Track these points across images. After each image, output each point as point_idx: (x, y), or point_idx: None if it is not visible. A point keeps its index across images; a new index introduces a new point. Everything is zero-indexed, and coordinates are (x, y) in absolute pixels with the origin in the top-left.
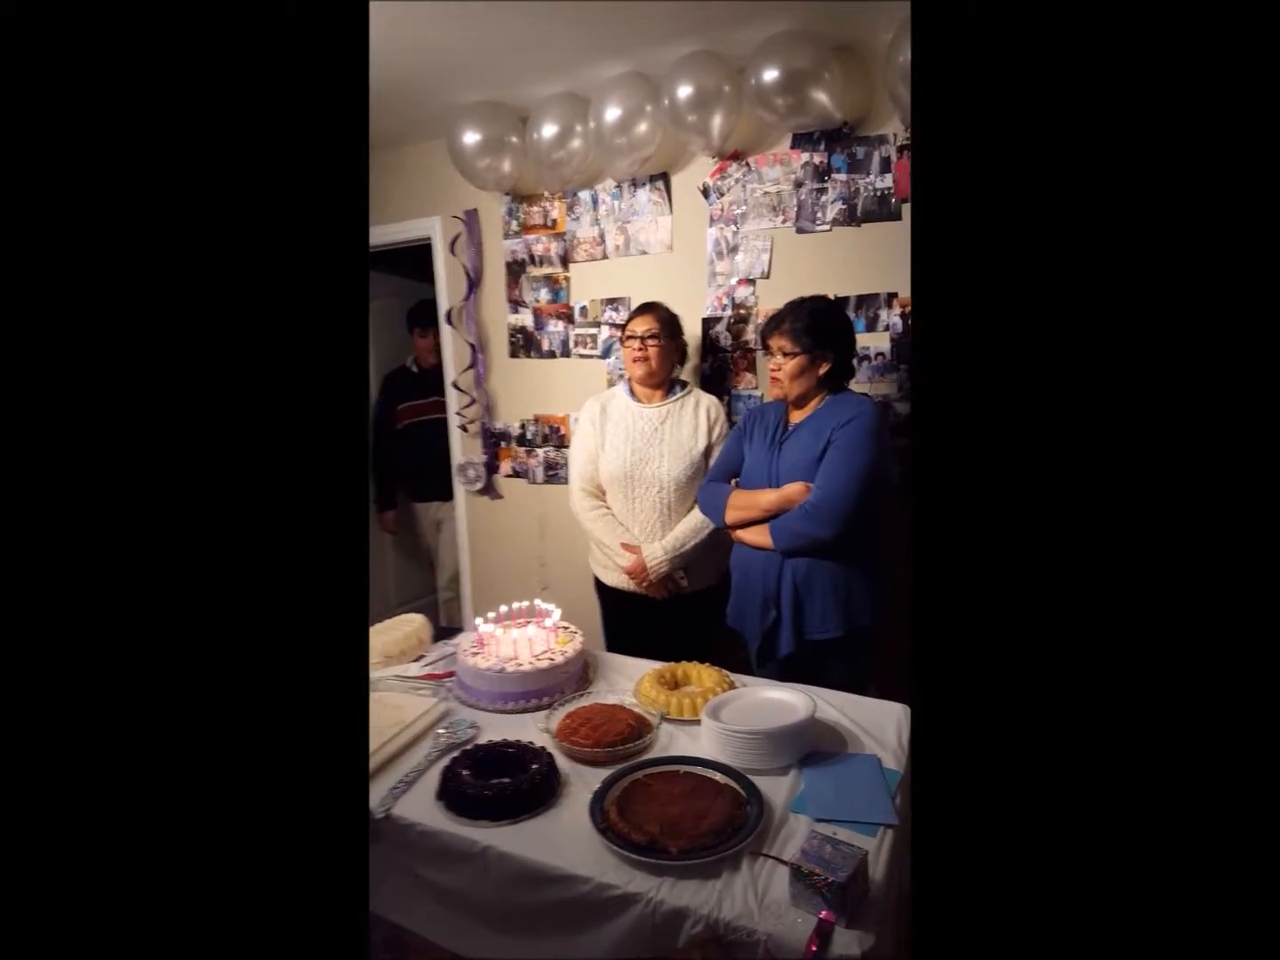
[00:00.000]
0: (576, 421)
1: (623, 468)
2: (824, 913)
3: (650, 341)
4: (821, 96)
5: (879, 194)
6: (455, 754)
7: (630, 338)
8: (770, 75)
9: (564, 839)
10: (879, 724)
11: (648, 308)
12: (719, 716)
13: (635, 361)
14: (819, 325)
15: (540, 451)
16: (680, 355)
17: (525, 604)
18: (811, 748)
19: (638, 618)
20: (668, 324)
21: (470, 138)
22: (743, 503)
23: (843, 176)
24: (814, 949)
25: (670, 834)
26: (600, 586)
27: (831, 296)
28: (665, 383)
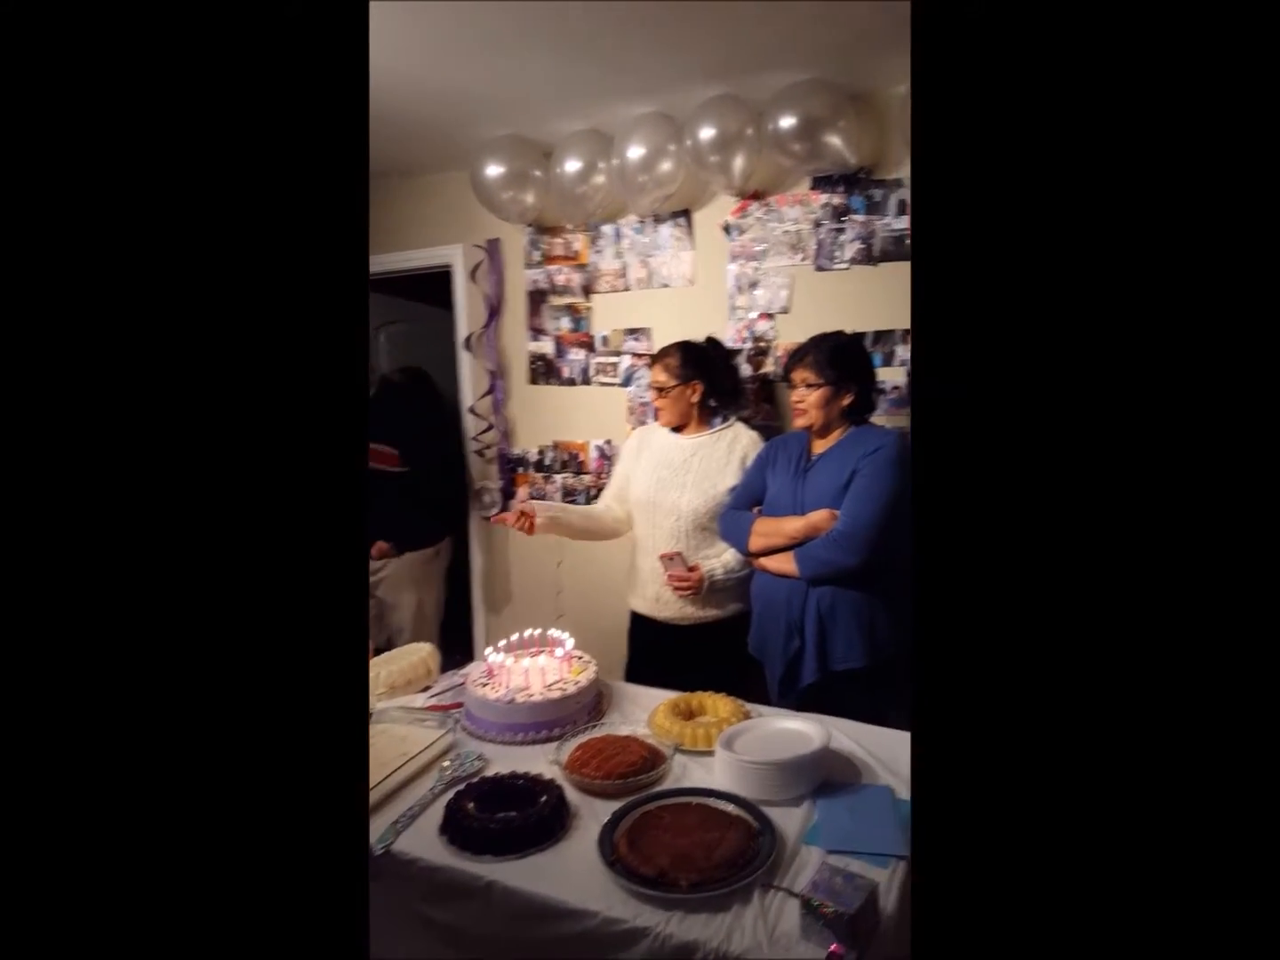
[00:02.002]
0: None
1: (647, 494)
2: (834, 945)
3: (660, 394)
4: (837, 142)
5: (895, 235)
6: (460, 787)
7: (651, 386)
8: (787, 121)
9: (572, 873)
10: (894, 754)
11: (661, 354)
12: (732, 747)
13: (657, 409)
14: (841, 358)
15: (558, 478)
16: (716, 388)
17: (537, 632)
18: (825, 778)
19: (664, 645)
20: (682, 370)
21: (494, 170)
22: (768, 529)
23: (860, 217)
24: None
25: (681, 867)
26: (632, 615)
27: (849, 332)
28: (693, 420)
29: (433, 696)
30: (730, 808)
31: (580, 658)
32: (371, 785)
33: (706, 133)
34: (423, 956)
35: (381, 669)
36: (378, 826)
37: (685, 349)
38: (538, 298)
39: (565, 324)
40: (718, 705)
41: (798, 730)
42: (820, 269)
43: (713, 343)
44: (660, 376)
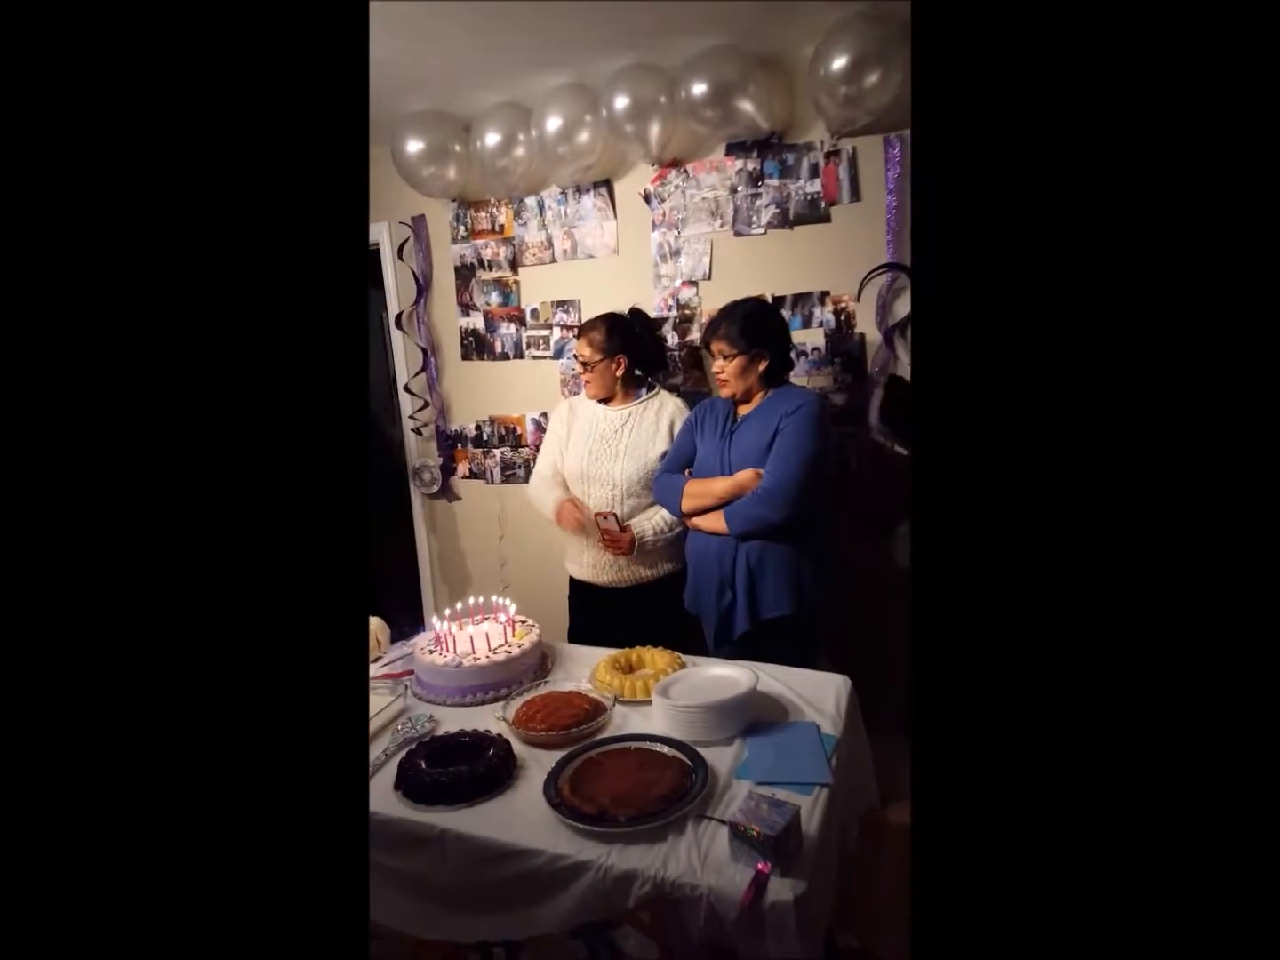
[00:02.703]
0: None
1: (580, 466)
2: (760, 865)
3: (586, 368)
4: (748, 107)
5: (809, 198)
6: (412, 746)
7: (577, 359)
8: (699, 88)
9: (519, 818)
10: (819, 694)
11: (585, 328)
12: (668, 695)
13: (584, 383)
14: (752, 326)
15: (497, 452)
16: (641, 358)
17: (480, 600)
18: (755, 718)
19: (604, 607)
20: (606, 344)
21: (414, 146)
22: (698, 491)
23: (775, 182)
24: (750, 898)
25: (620, 804)
26: (571, 581)
27: (769, 296)
28: (618, 392)
29: (383, 666)
30: (666, 750)
31: (524, 622)
32: None
33: (621, 102)
34: (382, 905)
35: None
36: None
37: (610, 322)
38: (466, 273)
39: (495, 299)
40: (655, 658)
41: (728, 676)
42: (739, 234)
43: (637, 314)
44: (585, 351)
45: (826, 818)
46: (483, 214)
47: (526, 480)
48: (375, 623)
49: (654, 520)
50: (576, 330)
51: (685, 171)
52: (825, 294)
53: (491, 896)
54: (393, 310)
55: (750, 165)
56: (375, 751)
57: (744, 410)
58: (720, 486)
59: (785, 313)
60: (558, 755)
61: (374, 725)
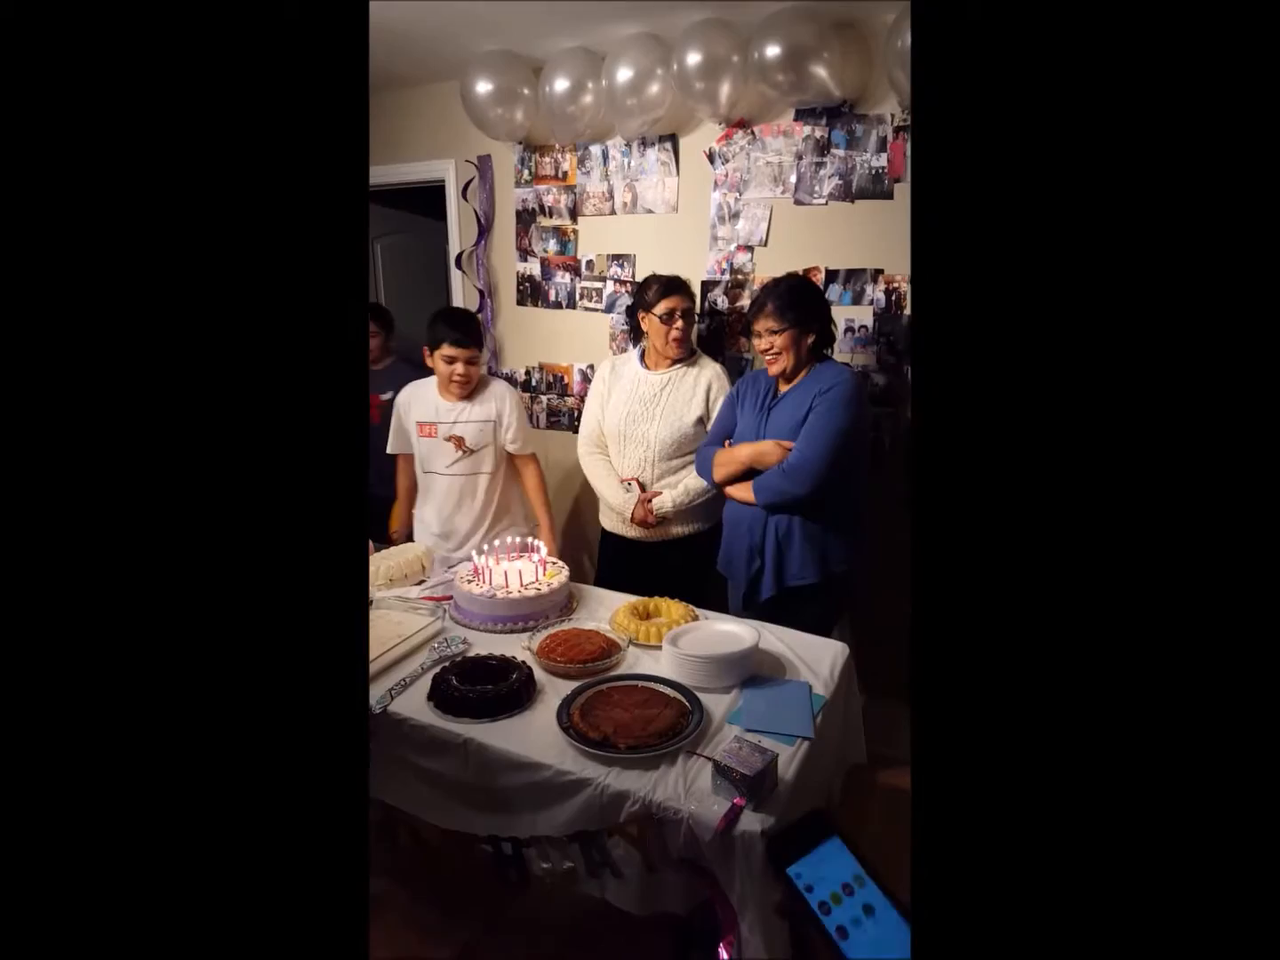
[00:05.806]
0: (593, 376)
1: (618, 425)
2: (737, 799)
3: (688, 320)
4: (821, 72)
5: (874, 172)
6: (446, 664)
7: (669, 315)
8: (773, 50)
9: (534, 735)
10: (817, 657)
11: (677, 287)
12: (677, 643)
13: (675, 341)
14: (798, 299)
15: (544, 398)
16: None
17: (517, 539)
18: (754, 672)
19: (631, 558)
20: (694, 301)
21: (483, 87)
22: (724, 459)
23: (841, 152)
24: (724, 826)
25: (621, 733)
26: (603, 532)
27: (823, 269)
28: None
29: (426, 589)
30: (669, 691)
31: (554, 563)
32: (372, 659)
33: (694, 58)
34: (411, 798)
35: (381, 563)
36: (376, 691)
37: (688, 286)
38: (527, 218)
39: (552, 246)
40: (671, 608)
41: (734, 632)
42: (799, 202)
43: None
44: (689, 304)
45: (803, 767)
46: (547, 159)
47: (570, 428)
48: (420, 548)
49: (675, 492)
50: (663, 289)
51: (752, 133)
52: (879, 272)
53: (504, 799)
54: (454, 248)
55: (818, 133)
56: (413, 665)
57: (784, 385)
58: (743, 453)
59: (837, 287)
60: (573, 684)
61: (414, 641)
